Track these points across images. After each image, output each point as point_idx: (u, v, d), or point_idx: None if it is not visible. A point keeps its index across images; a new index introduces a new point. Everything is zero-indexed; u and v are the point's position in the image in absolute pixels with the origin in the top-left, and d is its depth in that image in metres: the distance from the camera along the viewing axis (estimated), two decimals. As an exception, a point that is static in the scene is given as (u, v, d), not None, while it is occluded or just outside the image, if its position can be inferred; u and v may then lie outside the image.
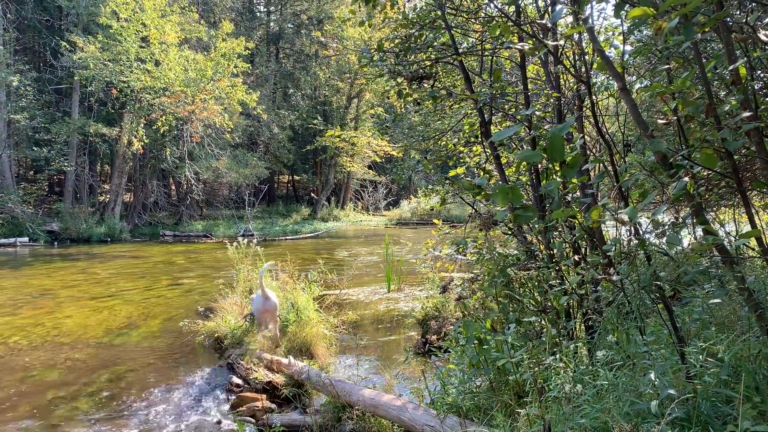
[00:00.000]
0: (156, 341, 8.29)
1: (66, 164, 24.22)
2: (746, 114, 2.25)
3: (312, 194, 38.45)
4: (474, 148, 6.32)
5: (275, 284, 8.21)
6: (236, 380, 6.18)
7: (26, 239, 21.78)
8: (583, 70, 3.58)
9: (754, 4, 2.90)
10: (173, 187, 31.40)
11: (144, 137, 24.02)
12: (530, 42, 3.32)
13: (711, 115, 2.46)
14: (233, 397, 5.83)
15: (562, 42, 3.73)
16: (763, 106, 3.27)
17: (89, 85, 23.17)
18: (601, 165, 3.77)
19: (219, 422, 5.44)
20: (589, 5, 3.01)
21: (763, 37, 2.00)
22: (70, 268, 15.93)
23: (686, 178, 2.30)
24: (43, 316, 9.76)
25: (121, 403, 5.96)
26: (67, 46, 22.66)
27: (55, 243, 22.41)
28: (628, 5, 2.65)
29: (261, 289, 6.89)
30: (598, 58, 2.78)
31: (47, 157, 23.91)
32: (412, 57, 5.26)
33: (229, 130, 26.07)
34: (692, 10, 2.05)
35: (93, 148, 25.96)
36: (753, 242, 3.38)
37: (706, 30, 2.10)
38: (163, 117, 23.66)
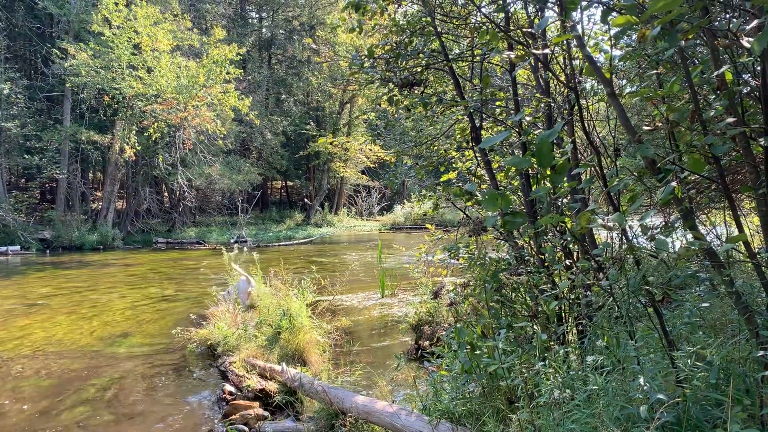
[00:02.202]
0: (148, 349, 8.25)
1: (58, 172, 24.09)
2: (731, 119, 2.26)
3: (305, 200, 38.35)
4: (466, 153, 6.32)
5: (268, 290, 8.20)
6: (229, 388, 6.15)
7: (18, 248, 21.62)
8: (572, 75, 3.59)
9: (738, 11, 2.93)
10: (166, 194, 31.26)
11: (136, 144, 23.92)
12: (519, 48, 3.34)
13: (696, 120, 2.47)
14: (226, 405, 5.79)
15: (548, 51, 3.75)
16: (751, 110, 3.30)
17: (81, 93, 23.08)
18: (592, 169, 3.78)
19: (211, 431, 5.41)
20: (577, 12, 3.03)
21: (745, 44, 2.02)
22: (62, 277, 15.83)
23: (674, 183, 2.31)
24: (34, 325, 9.69)
25: (112, 412, 5.92)
26: (59, 54, 22.56)
27: (47, 251, 22.26)
28: (614, 12, 2.66)
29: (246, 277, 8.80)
30: (587, 64, 2.79)
31: (39, 164, 23.77)
32: (403, 63, 5.27)
33: (222, 136, 25.99)
34: (677, 17, 2.06)
35: (85, 155, 25.82)
36: (742, 245, 3.40)
37: (690, 37, 2.12)
38: (155, 124, 23.57)
